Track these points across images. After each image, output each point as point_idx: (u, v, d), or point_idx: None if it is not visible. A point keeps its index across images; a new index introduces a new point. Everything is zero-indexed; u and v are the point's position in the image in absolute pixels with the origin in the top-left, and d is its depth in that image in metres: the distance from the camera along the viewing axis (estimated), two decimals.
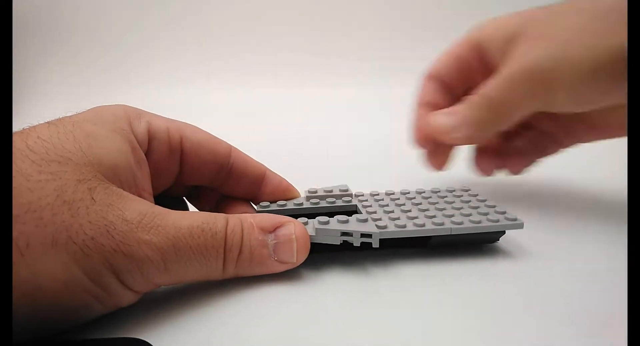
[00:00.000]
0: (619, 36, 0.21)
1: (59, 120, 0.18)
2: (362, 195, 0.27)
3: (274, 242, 0.19)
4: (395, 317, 0.18)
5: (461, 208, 0.24)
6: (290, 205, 0.25)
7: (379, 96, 0.66)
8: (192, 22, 0.70)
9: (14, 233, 0.14)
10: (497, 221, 0.23)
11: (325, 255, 0.23)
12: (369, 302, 0.19)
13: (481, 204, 0.25)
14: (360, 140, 0.56)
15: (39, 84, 0.69)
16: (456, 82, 0.28)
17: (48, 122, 0.18)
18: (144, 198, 0.18)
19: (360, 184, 0.29)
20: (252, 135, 0.57)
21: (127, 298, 0.17)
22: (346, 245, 0.21)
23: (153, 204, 0.17)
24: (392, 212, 0.24)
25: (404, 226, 0.22)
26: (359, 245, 0.21)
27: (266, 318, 0.18)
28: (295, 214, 0.24)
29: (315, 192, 0.26)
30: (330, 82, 0.68)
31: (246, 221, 0.19)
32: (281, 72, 0.69)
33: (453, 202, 0.25)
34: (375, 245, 0.21)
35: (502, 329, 0.18)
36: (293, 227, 0.20)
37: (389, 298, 0.20)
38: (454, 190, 0.27)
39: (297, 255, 0.20)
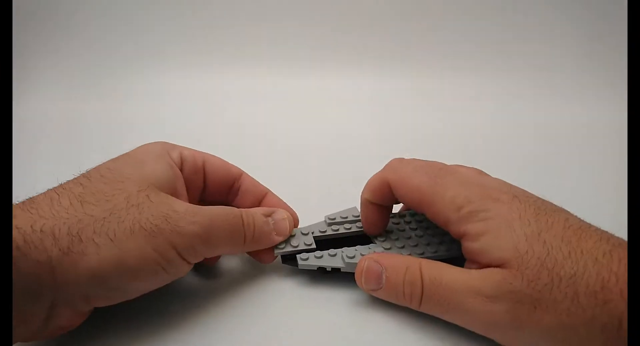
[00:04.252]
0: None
1: (119, 155, 0.26)
2: None
3: (273, 222, 0.28)
4: None
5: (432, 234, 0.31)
6: (316, 232, 0.31)
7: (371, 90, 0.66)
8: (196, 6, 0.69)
9: (104, 229, 0.21)
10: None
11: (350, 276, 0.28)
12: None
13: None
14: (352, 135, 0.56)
15: (37, 70, 0.69)
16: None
17: (112, 159, 0.26)
18: (178, 195, 0.26)
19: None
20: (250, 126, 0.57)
21: (183, 268, 0.24)
22: None
23: (189, 203, 0.25)
24: (398, 239, 0.30)
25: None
26: None
27: None
28: (321, 240, 0.31)
29: (334, 219, 0.32)
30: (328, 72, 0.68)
31: (252, 210, 0.28)
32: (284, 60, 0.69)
33: (417, 229, 0.31)
34: None
35: None
36: (283, 211, 0.30)
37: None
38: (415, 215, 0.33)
39: (289, 228, 0.29)
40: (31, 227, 0.19)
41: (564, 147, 0.54)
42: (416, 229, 0.31)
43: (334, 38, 0.69)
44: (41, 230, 0.19)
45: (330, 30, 0.69)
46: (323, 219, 0.33)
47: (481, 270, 0.23)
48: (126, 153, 0.27)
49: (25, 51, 0.68)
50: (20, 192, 0.23)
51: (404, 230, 0.31)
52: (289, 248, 0.29)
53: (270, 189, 0.35)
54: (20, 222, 0.19)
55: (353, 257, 0.28)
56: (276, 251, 0.29)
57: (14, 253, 0.18)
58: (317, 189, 0.43)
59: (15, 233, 0.19)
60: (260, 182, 0.34)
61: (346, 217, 0.32)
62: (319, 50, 0.69)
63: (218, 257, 0.31)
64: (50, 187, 0.24)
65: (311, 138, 0.56)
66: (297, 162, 0.49)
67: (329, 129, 0.58)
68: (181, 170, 0.28)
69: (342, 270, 0.28)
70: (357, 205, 0.32)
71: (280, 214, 0.29)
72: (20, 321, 0.19)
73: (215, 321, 0.27)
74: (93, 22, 0.70)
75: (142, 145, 0.28)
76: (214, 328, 0.26)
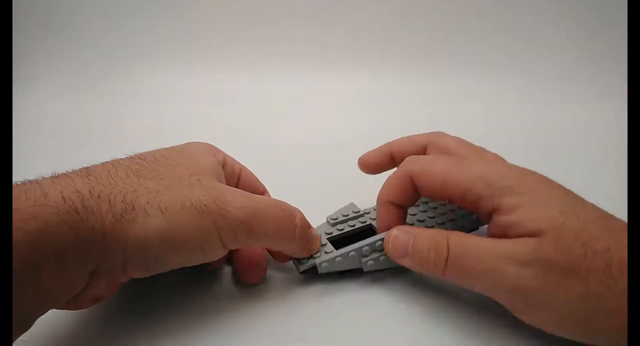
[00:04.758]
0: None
1: (167, 147, 0.27)
2: (370, 213, 0.33)
3: (311, 236, 0.28)
4: None
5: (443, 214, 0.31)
6: (322, 234, 0.31)
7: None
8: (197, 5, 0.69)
9: (157, 201, 0.21)
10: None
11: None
12: None
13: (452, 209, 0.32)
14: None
15: (36, 71, 0.69)
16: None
17: (162, 148, 0.27)
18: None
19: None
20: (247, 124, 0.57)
21: (219, 251, 0.24)
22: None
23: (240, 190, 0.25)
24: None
25: None
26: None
27: None
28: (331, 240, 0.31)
29: (337, 218, 0.32)
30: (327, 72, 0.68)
31: (303, 215, 0.28)
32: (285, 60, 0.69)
33: (434, 217, 0.32)
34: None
35: None
36: (315, 232, 0.30)
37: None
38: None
39: (316, 250, 0.29)
40: (89, 191, 0.20)
41: (564, 147, 0.54)
42: (433, 217, 0.32)
43: (334, 38, 0.69)
44: (99, 196, 0.20)
45: (330, 30, 0.69)
46: (325, 220, 0.33)
47: (514, 239, 0.23)
48: (174, 146, 0.28)
49: (25, 51, 0.68)
50: None
51: (423, 220, 0.32)
52: (312, 261, 0.29)
53: (268, 189, 0.35)
54: (80, 186, 0.20)
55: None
56: (301, 267, 0.29)
57: (73, 217, 0.19)
58: (315, 189, 0.43)
59: (74, 196, 0.19)
60: (259, 182, 0.35)
61: (347, 215, 0.32)
62: (318, 50, 0.69)
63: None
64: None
65: (308, 138, 0.56)
66: (294, 162, 0.49)
67: (326, 129, 0.58)
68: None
69: (364, 269, 0.29)
70: (355, 202, 0.33)
71: (316, 233, 0.30)
72: (62, 287, 0.19)
73: (225, 321, 0.27)
74: (92, 22, 0.70)
75: (188, 143, 0.29)
76: (220, 329, 0.26)
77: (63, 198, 0.19)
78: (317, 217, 0.33)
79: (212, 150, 0.29)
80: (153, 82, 0.69)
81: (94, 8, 0.69)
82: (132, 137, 0.54)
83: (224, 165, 0.29)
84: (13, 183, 0.20)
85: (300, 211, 0.28)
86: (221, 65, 0.70)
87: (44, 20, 0.69)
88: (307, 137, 0.56)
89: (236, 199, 0.24)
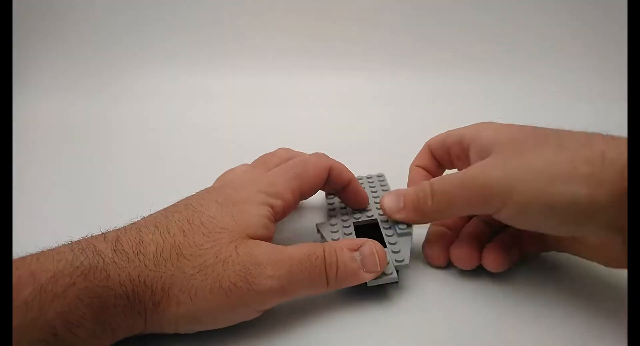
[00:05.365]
0: (589, 187, 0.21)
1: (225, 200, 0.27)
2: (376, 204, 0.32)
3: (360, 257, 0.26)
4: None
5: None
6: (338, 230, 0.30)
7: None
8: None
9: (188, 287, 0.23)
10: None
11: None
12: None
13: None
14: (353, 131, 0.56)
15: (34, 71, 0.69)
16: (443, 156, 0.33)
17: (218, 203, 0.26)
18: (270, 240, 0.26)
19: None
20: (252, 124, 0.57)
21: (254, 315, 0.25)
22: None
23: (275, 245, 0.25)
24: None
25: None
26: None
27: None
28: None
29: (333, 224, 0.31)
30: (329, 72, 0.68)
31: (336, 245, 0.26)
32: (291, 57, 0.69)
33: None
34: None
35: None
36: (372, 244, 0.27)
37: None
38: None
39: (379, 264, 0.26)
40: (138, 276, 0.22)
41: None
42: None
43: (337, 37, 0.69)
44: (144, 282, 0.22)
45: (332, 30, 0.69)
46: (324, 235, 0.31)
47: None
48: (232, 198, 0.27)
49: (23, 52, 0.68)
50: (19, 192, 0.23)
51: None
52: (392, 273, 0.27)
53: None
54: (132, 269, 0.22)
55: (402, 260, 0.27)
56: (369, 283, 0.27)
57: (124, 301, 0.22)
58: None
59: (127, 282, 0.22)
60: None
61: (335, 224, 0.31)
62: (320, 50, 0.69)
63: None
64: (50, 189, 0.24)
65: (313, 138, 0.56)
66: None
67: (326, 129, 0.58)
68: (283, 210, 0.28)
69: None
70: None
71: (369, 247, 0.27)
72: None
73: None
74: (90, 23, 0.70)
75: (249, 190, 0.28)
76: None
77: (120, 282, 0.22)
78: (318, 218, 0.33)
79: (265, 198, 0.27)
80: (153, 83, 0.69)
81: (92, 11, 0.69)
82: (130, 136, 0.55)
83: (283, 208, 0.28)
84: (74, 240, 0.23)
85: (330, 247, 0.26)
86: (221, 64, 0.70)
87: (40, 20, 0.69)
88: (310, 138, 0.55)
89: (269, 265, 0.24)
